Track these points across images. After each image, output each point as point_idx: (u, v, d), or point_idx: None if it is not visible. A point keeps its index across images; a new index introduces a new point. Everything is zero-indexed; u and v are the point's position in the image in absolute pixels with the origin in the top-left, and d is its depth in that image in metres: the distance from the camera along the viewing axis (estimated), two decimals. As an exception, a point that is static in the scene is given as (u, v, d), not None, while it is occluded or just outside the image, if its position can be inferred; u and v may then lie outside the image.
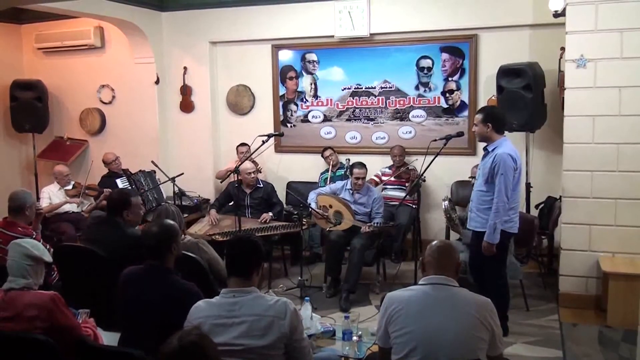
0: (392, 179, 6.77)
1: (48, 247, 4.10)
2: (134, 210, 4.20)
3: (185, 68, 7.76)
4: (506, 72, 6.04)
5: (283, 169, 7.61)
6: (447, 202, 5.57)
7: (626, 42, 4.97)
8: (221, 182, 6.47)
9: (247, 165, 6.23)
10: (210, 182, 7.72)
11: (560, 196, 5.49)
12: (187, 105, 7.84)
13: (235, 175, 5.95)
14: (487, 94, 6.67)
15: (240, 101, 7.73)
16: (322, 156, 7.21)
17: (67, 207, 6.75)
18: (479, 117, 4.57)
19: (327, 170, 7.11)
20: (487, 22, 6.55)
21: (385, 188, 6.83)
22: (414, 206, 6.64)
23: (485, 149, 4.60)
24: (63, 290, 3.53)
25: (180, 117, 7.88)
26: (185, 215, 6.48)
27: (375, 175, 6.93)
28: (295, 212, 6.37)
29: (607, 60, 5.05)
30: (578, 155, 5.20)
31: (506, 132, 4.74)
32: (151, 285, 3.07)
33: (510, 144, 4.54)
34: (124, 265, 3.27)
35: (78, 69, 8.14)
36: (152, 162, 6.93)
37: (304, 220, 5.95)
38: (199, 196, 7.26)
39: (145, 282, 3.10)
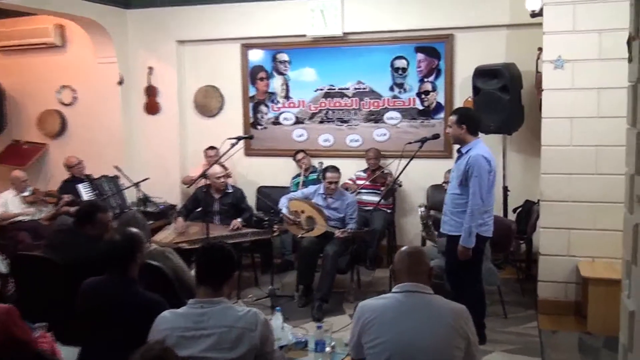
0: (367, 183, 6.78)
1: (4, 257, 4.02)
2: (98, 226, 4.13)
3: (150, 68, 7.69)
4: (482, 73, 6.10)
5: (253, 173, 7.58)
6: (423, 209, 5.58)
7: (604, 43, 5.04)
8: (188, 187, 6.41)
9: (216, 169, 6.19)
10: (177, 187, 7.66)
11: (538, 200, 5.55)
12: (152, 107, 7.76)
13: (204, 179, 5.90)
14: (463, 95, 6.73)
15: (208, 102, 7.69)
16: (294, 159, 7.19)
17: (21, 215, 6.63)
18: (453, 118, 4.60)
19: (299, 175, 7.10)
20: (463, 21, 6.61)
21: (360, 192, 6.83)
22: (388, 211, 6.67)
23: (459, 150, 4.64)
24: (19, 303, 3.45)
25: (145, 119, 7.80)
26: (151, 222, 6.36)
27: (350, 180, 6.94)
28: (266, 218, 6.34)
29: (585, 62, 5.12)
30: (556, 158, 5.26)
31: (483, 135, 4.78)
32: (113, 297, 3.03)
33: (484, 145, 4.58)
34: (85, 275, 3.22)
35: (37, 68, 8.01)
36: (115, 167, 6.85)
37: (275, 226, 5.92)
38: (164, 202, 7.19)
39: (107, 294, 3.05)
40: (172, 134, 7.74)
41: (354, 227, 5.79)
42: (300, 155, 7.15)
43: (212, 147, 7.14)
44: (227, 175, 6.55)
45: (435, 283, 2.94)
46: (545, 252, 5.36)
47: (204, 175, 5.73)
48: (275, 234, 5.90)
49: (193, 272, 3.14)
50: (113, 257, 3.13)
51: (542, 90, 5.32)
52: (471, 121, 4.58)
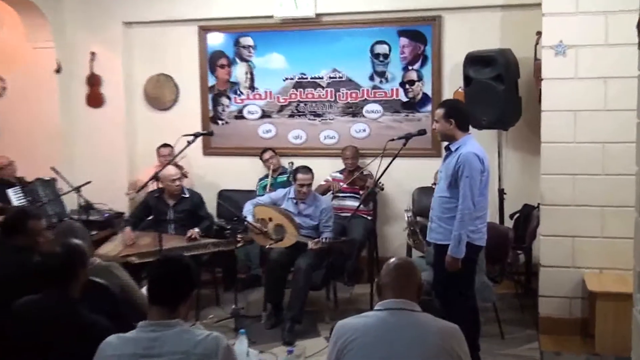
0: (344, 185, 6.81)
1: None
2: (30, 237, 4.06)
3: (93, 54, 7.62)
4: (474, 60, 6.14)
5: (213, 175, 7.56)
6: (410, 214, 5.59)
7: (612, 27, 5.10)
8: (137, 192, 6.36)
9: (170, 170, 6.14)
10: (124, 192, 7.56)
11: (539, 204, 5.60)
12: (95, 99, 7.70)
13: (156, 183, 5.86)
14: (452, 85, 6.78)
15: (160, 94, 7.66)
16: (260, 159, 7.19)
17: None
18: (440, 112, 4.62)
19: (266, 176, 7.09)
20: (452, 1, 6.67)
21: (337, 197, 6.87)
22: (369, 218, 6.68)
23: (447, 148, 4.66)
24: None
25: (87, 112, 7.73)
26: (94, 232, 6.31)
27: (326, 181, 6.95)
28: (228, 227, 6.32)
29: (590, 47, 5.18)
30: (558, 157, 5.31)
31: (475, 130, 4.81)
32: (51, 320, 2.99)
33: (476, 142, 4.61)
34: (16, 294, 3.17)
35: (-41, 54, 7.90)
36: (52, 168, 6.76)
37: (239, 236, 5.90)
38: (110, 209, 7.11)
39: (43, 316, 3.01)
40: (118, 130, 7.68)
41: (329, 236, 5.80)
42: (267, 154, 7.14)
43: (165, 145, 7.10)
44: (183, 178, 6.51)
45: (423, 300, 2.95)
46: (546, 263, 5.42)
47: (155, 177, 5.68)
48: (239, 245, 5.87)
49: (144, 290, 3.12)
50: (51, 273, 3.09)
51: (542, 79, 5.37)
52: (460, 115, 4.61)
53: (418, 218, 5.93)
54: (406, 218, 5.52)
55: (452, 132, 4.58)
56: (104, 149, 7.70)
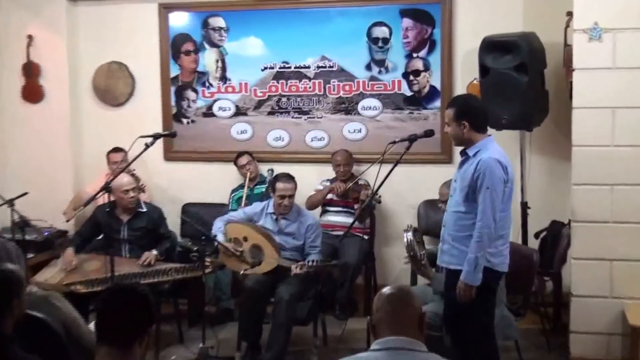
0: (335, 198, 6.82)
1: None
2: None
3: (30, 37, 7.61)
4: (492, 47, 6.17)
5: (176, 186, 7.57)
6: (410, 234, 5.52)
7: (658, 6, 5.16)
8: (84, 206, 6.34)
9: (123, 180, 6.11)
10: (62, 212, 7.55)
11: (569, 220, 5.62)
12: (33, 92, 7.68)
13: (107, 195, 5.83)
14: (466, 76, 6.81)
15: (113, 86, 7.66)
16: (235, 165, 7.19)
17: None
18: (449, 113, 4.60)
19: (241, 186, 7.08)
20: (465, -25, 6.75)
21: (326, 212, 6.89)
22: (365, 237, 6.68)
23: (463, 152, 4.64)
24: None
25: (22, 108, 7.71)
26: (30, 255, 6.31)
27: (316, 191, 6.97)
28: (194, 249, 6.26)
29: (632, 31, 5.22)
30: (593, 163, 5.33)
31: (492, 131, 4.81)
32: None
33: (497, 145, 4.60)
34: None
35: None
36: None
37: (207, 260, 5.88)
38: (51, 227, 7.10)
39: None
40: (61, 130, 7.66)
41: (317, 259, 5.79)
42: (244, 159, 7.14)
43: (117, 150, 7.09)
44: (139, 189, 6.51)
45: (430, 336, 2.97)
46: (579, 292, 5.43)
47: (106, 188, 5.66)
48: (207, 271, 5.85)
49: (92, 326, 3.12)
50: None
51: (573, 69, 5.39)
52: (475, 114, 4.60)
53: (426, 244, 5.87)
54: (405, 240, 5.42)
55: (467, 136, 4.56)
56: (44, 154, 7.67)
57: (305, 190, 6.85)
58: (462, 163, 4.67)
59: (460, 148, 4.71)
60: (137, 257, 6.01)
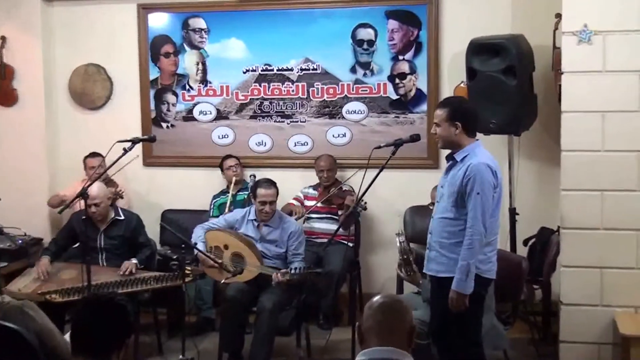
0: (319, 204, 6.81)
1: None
2: None
3: (3, 39, 7.57)
4: (480, 49, 6.19)
5: (156, 192, 7.57)
6: (403, 238, 5.54)
7: (649, 8, 5.17)
8: (59, 212, 6.30)
9: (91, 191, 6.03)
10: (44, 213, 7.54)
11: (559, 227, 5.63)
12: (6, 96, 7.64)
13: (83, 201, 5.81)
14: (453, 79, 6.83)
15: (90, 89, 7.63)
16: (220, 168, 7.19)
17: None
18: (442, 113, 4.59)
19: (224, 192, 7.09)
20: (452, -25, 6.76)
21: (310, 218, 6.87)
22: (350, 245, 6.67)
23: (450, 157, 4.65)
24: None
25: (-4, 113, 7.69)
26: (3, 264, 6.27)
27: (295, 199, 6.97)
28: (174, 257, 6.25)
29: (622, 34, 5.22)
30: (582, 168, 5.33)
31: (480, 135, 4.78)
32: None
33: (485, 150, 4.63)
34: None
35: None
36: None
37: (187, 268, 5.85)
38: (25, 235, 7.06)
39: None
40: (36, 134, 7.62)
41: (300, 267, 5.75)
42: (230, 161, 7.14)
43: (94, 154, 7.06)
44: (118, 195, 6.49)
45: (417, 344, 2.96)
46: (569, 300, 5.42)
47: (82, 194, 5.63)
48: (187, 280, 5.82)
49: (67, 337, 3.10)
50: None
51: (562, 73, 5.39)
52: (468, 117, 4.61)
53: (412, 245, 5.90)
54: (398, 244, 5.45)
55: (457, 139, 4.56)
56: (18, 159, 7.62)
57: (289, 197, 6.87)
58: (449, 168, 4.67)
59: (447, 152, 4.71)
60: (114, 266, 5.98)
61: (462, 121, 4.54)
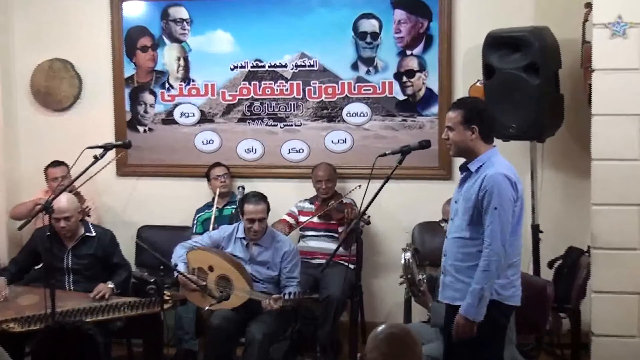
0: (316, 220, 6.79)
1: None
2: None
3: (-47, 30, 7.58)
4: (498, 43, 6.15)
5: (131, 206, 7.56)
6: (408, 254, 5.50)
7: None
8: (19, 229, 6.26)
9: (60, 204, 6.02)
10: (1, 229, 7.52)
11: (589, 247, 5.61)
12: (-41, 96, 7.62)
13: (47, 216, 5.77)
14: (468, 78, 6.79)
15: (55, 88, 7.61)
16: (207, 178, 7.16)
17: None
18: (455, 115, 4.56)
19: (208, 206, 7.08)
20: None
21: (305, 236, 6.85)
22: (351, 266, 6.61)
23: (464, 167, 4.64)
24: None
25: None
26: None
27: (289, 214, 6.94)
28: (152, 280, 6.21)
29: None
30: (616, 180, 5.33)
31: (498, 142, 4.79)
32: None
33: (503, 159, 4.60)
34: None
35: None
36: None
37: (167, 293, 5.83)
38: (-21, 254, 7.06)
39: None
40: (-8, 139, 7.61)
41: (295, 291, 5.77)
42: (219, 170, 7.11)
43: (57, 163, 7.04)
44: (84, 212, 6.45)
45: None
46: (601, 330, 5.42)
47: (46, 208, 5.60)
48: (166, 306, 5.79)
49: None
50: None
51: (593, 70, 5.39)
52: (486, 120, 4.59)
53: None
54: (402, 260, 5.39)
55: (472, 145, 4.54)
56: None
57: (282, 212, 6.85)
58: (463, 180, 4.66)
59: (461, 161, 4.69)
60: (83, 290, 5.97)
61: (479, 125, 4.53)
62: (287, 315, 5.74)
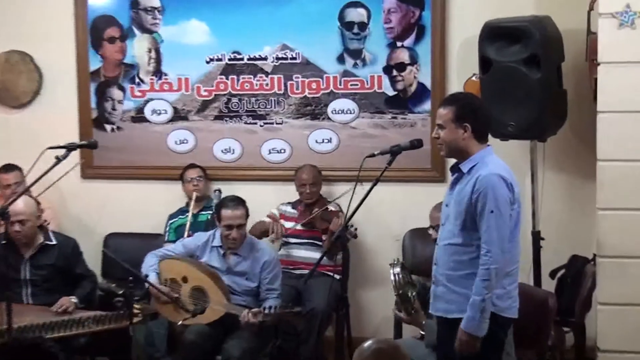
0: (299, 227, 6.78)
1: None
2: None
3: None
4: (496, 34, 6.12)
5: (97, 211, 7.53)
6: (398, 269, 5.49)
7: None
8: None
9: (16, 207, 6.01)
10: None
11: (594, 255, 5.61)
12: None
13: (2, 222, 5.75)
14: (463, 72, 6.81)
15: (12, 82, 7.59)
16: (181, 180, 7.16)
17: None
18: (447, 112, 4.55)
19: (182, 211, 7.09)
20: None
21: (287, 244, 6.84)
22: (336, 277, 6.59)
23: (455, 168, 4.64)
24: None
25: None
26: None
27: (270, 216, 6.88)
28: (120, 292, 6.18)
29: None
30: (623, 182, 5.33)
31: (495, 141, 4.80)
32: None
33: (497, 158, 4.60)
34: None
35: None
36: None
37: (136, 306, 5.80)
38: None
39: None
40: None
41: (276, 304, 5.75)
42: (193, 172, 7.11)
43: (9, 168, 7.00)
44: (43, 226, 6.39)
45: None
46: (607, 346, 5.42)
47: (1, 214, 5.57)
48: (136, 320, 5.76)
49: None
50: None
51: (599, 64, 5.39)
52: (480, 117, 4.59)
53: (414, 277, 5.83)
54: (392, 277, 5.39)
55: (465, 144, 4.55)
56: None
57: (262, 217, 6.82)
58: (454, 182, 4.67)
59: (452, 162, 4.71)
60: (43, 304, 5.95)
61: (472, 123, 4.53)
62: (267, 331, 5.71)
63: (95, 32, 7.44)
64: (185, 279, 5.86)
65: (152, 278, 5.88)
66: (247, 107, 7.27)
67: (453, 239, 4.55)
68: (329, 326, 6.72)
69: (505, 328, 4.57)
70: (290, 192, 7.00)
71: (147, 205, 7.39)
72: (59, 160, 5.36)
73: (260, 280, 5.94)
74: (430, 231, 5.60)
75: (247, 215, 6.03)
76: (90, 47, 7.46)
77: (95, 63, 7.47)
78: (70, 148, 5.48)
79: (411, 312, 5.46)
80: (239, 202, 6.00)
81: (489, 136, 4.77)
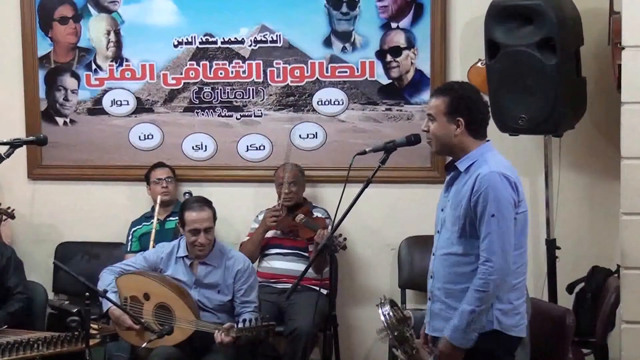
0: (279, 235, 6.80)
1: None
2: None
3: None
4: (505, 15, 6.12)
5: (48, 217, 7.56)
6: (387, 308, 5.36)
7: None
8: None
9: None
10: None
11: (618, 267, 5.64)
12: None
13: None
14: (467, 57, 6.82)
15: (-50, 70, 7.60)
16: (146, 182, 7.16)
17: None
18: (439, 103, 4.55)
19: (146, 217, 7.12)
20: None
21: (267, 255, 6.86)
22: (324, 292, 6.61)
23: (451, 167, 4.65)
24: None
25: None
26: None
27: (250, 235, 6.91)
28: (74, 310, 6.19)
29: None
30: (650, 184, 5.36)
31: (504, 136, 4.80)
32: None
33: (499, 155, 4.62)
34: None
35: None
36: None
37: (94, 326, 5.82)
38: None
39: None
40: None
41: (252, 318, 5.76)
42: (160, 172, 7.11)
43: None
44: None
45: None
46: (633, 369, 5.45)
47: None
48: (93, 342, 5.77)
49: None
50: None
51: (623, 48, 5.40)
52: (474, 111, 4.57)
53: (407, 311, 5.74)
54: (382, 318, 5.25)
55: (457, 141, 4.55)
56: None
57: (240, 224, 6.91)
58: (450, 182, 4.67)
59: (447, 159, 4.77)
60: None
61: (466, 117, 4.51)
62: (244, 351, 5.76)
63: (44, 12, 7.44)
64: (147, 296, 5.85)
65: (111, 295, 5.81)
66: (222, 98, 7.29)
67: (451, 248, 4.55)
68: (314, 348, 6.73)
69: (510, 349, 4.58)
70: (271, 194, 6.98)
71: (106, 211, 7.42)
72: (2, 158, 5.33)
73: (234, 293, 5.94)
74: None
75: (214, 217, 6.02)
76: (38, 28, 7.45)
77: (44, 47, 7.48)
78: (14, 145, 5.46)
79: (412, 352, 5.45)
80: (204, 202, 6.02)
81: (499, 131, 4.78)
